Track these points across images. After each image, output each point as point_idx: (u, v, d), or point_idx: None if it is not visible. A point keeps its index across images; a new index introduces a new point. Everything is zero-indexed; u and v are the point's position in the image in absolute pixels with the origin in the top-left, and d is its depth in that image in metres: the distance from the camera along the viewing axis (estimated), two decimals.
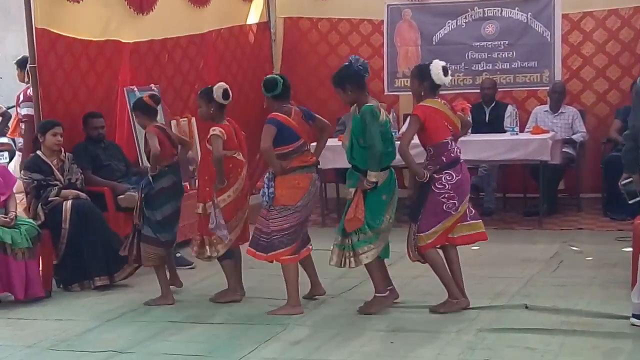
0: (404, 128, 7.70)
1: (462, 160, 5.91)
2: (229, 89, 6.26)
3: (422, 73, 5.87)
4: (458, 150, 5.90)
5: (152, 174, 6.34)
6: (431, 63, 5.89)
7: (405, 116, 8.70)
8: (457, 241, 5.97)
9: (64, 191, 6.91)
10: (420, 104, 5.84)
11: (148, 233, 6.34)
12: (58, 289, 6.85)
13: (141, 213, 6.37)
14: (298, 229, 5.99)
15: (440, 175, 5.76)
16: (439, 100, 5.89)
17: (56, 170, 6.98)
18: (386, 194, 5.79)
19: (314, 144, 6.30)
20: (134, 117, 6.67)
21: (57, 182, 6.93)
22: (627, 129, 8.77)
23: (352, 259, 5.78)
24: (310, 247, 6.22)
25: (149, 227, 6.34)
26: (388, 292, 5.96)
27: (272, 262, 6.06)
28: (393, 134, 6.14)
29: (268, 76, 6.23)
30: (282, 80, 6.01)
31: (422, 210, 5.79)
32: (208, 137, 6.16)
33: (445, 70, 5.82)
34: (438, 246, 5.91)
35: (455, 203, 5.78)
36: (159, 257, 6.40)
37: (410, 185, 6.01)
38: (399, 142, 5.83)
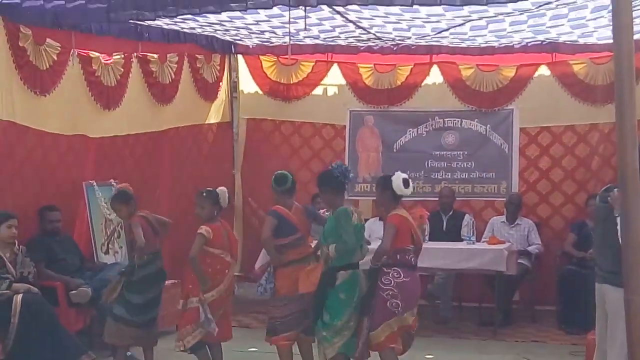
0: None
1: (415, 271, 6.17)
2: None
3: (384, 183, 6.20)
4: (414, 260, 6.16)
5: (138, 264, 6.52)
6: (393, 175, 6.21)
7: (366, 220, 8.77)
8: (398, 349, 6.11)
9: (15, 285, 6.78)
10: (394, 212, 6.11)
11: (121, 313, 6.50)
12: None
13: (118, 294, 6.49)
14: (297, 317, 6.28)
15: (389, 271, 6.01)
16: (405, 210, 6.25)
17: (8, 263, 6.86)
18: (345, 292, 5.99)
19: None
20: (125, 207, 6.70)
21: (9, 276, 6.81)
22: (581, 242, 8.96)
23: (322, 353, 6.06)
24: (311, 338, 6.38)
25: (124, 309, 6.49)
26: None
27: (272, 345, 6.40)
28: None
29: (279, 171, 6.63)
30: (291, 177, 6.48)
31: (373, 308, 5.95)
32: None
33: (405, 183, 6.15)
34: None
35: (399, 303, 5.94)
36: (129, 337, 6.54)
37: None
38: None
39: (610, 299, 5.08)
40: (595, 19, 7.78)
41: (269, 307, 6.46)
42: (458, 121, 10.21)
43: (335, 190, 6.16)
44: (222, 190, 6.54)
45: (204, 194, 6.49)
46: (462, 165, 10.19)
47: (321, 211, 8.62)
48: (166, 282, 7.79)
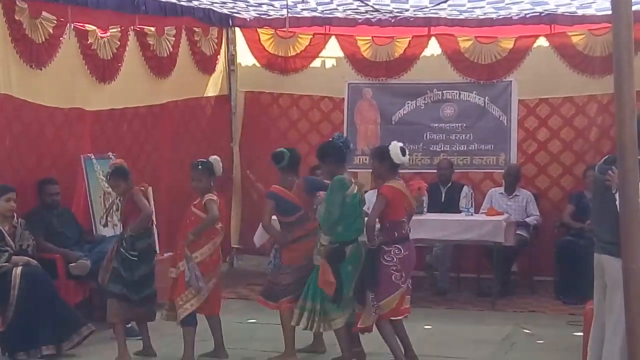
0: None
1: (410, 239, 6.28)
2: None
3: (381, 154, 6.19)
4: (409, 230, 6.26)
5: (134, 234, 6.47)
6: (390, 144, 6.20)
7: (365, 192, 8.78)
8: (403, 313, 6.26)
9: (14, 257, 6.80)
10: (387, 184, 6.12)
11: (120, 291, 6.47)
12: (3, 357, 6.68)
13: (111, 272, 6.44)
14: (298, 284, 6.33)
15: (390, 248, 6.07)
16: (401, 181, 6.27)
17: (7, 236, 6.88)
18: (352, 264, 6.12)
19: None
20: (122, 183, 6.63)
21: (8, 249, 6.83)
22: (579, 213, 8.98)
23: (323, 323, 6.13)
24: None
25: (122, 286, 6.45)
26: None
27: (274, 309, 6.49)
28: (364, 211, 6.44)
29: (277, 150, 6.61)
30: (288, 154, 6.44)
31: (378, 281, 6.02)
32: (197, 202, 6.39)
33: (403, 151, 6.16)
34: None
35: (402, 275, 6.08)
36: (126, 314, 6.53)
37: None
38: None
39: (610, 270, 5.09)
40: None
41: (273, 274, 6.59)
42: (456, 93, 10.18)
43: (336, 161, 6.19)
44: (215, 159, 6.51)
45: (200, 167, 6.44)
46: (461, 138, 10.18)
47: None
48: (164, 254, 7.88)
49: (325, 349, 6.63)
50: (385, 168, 6.18)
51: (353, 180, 6.22)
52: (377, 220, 6.09)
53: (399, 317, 6.23)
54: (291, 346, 6.40)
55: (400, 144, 6.21)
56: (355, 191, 6.14)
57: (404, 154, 6.17)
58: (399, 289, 6.09)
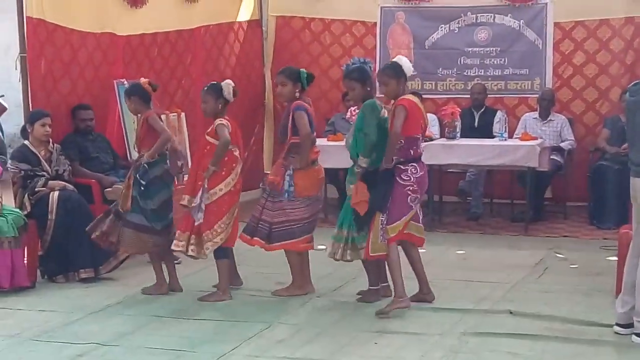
0: None
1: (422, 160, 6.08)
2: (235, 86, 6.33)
3: (397, 71, 5.93)
4: (422, 149, 6.07)
5: (150, 161, 6.32)
6: (396, 59, 6.01)
7: None
8: (409, 237, 6.05)
9: (51, 182, 6.88)
10: (404, 97, 5.91)
11: (140, 221, 6.34)
12: (42, 280, 6.83)
13: (132, 201, 6.32)
14: (315, 218, 6.30)
15: (407, 167, 5.87)
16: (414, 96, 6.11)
17: (44, 161, 6.95)
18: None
19: None
20: (129, 102, 6.54)
21: (45, 173, 6.91)
22: (615, 138, 8.90)
23: (349, 251, 5.97)
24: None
25: (142, 216, 6.33)
26: (380, 287, 6.13)
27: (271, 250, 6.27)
28: None
29: (293, 68, 6.42)
30: (305, 74, 6.25)
31: (390, 202, 5.85)
32: (210, 129, 6.20)
33: (408, 61, 6.00)
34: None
35: (417, 197, 5.92)
36: (152, 244, 6.40)
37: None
38: None
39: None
40: None
41: (288, 210, 6.15)
42: (491, 16, 10.02)
43: (372, 85, 6.01)
44: (226, 83, 6.29)
45: (206, 89, 6.30)
46: (495, 62, 10.05)
47: (352, 109, 8.62)
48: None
49: (314, 290, 6.36)
50: (402, 85, 5.93)
51: (383, 105, 5.99)
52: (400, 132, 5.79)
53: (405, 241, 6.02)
54: (300, 279, 6.27)
55: (404, 57, 6.03)
56: (386, 115, 5.91)
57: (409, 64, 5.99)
58: (410, 211, 5.88)
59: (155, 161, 6.36)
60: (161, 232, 6.43)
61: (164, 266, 6.51)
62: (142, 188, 6.30)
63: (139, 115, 6.51)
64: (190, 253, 6.15)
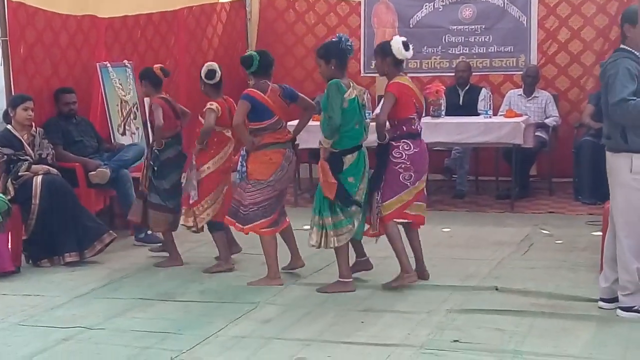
0: (378, 109, 7.72)
1: (422, 138, 6.04)
2: (216, 69, 6.40)
3: (384, 50, 5.92)
4: (420, 127, 6.02)
5: (158, 149, 6.56)
6: (392, 39, 5.94)
7: (380, 97, 8.70)
8: (409, 218, 6.02)
9: (34, 166, 6.85)
10: (394, 80, 5.88)
11: (157, 201, 6.62)
12: (27, 265, 6.80)
13: (149, 181, 6.60)
14: (273, 202, 6.08)
15: (398, 144, 5.85)
16: (407, 77, 6.02)
17: (27, 145, 6.91)
18: (353, 176, 5.81)
19: (295, 121, 6.37)
20: (141, 85, 6.83)
21: (28, 157, 6.87)
22: (599, 113, 8.90)
23: (333, 238, 5.82)
24: (287, 220, 6.34)
25: (157, 195, 6.61)
26: (351, 279, 5.99)
27: (247, 234, 6.18)
28: (367, 114, 6.22)
29: (246, 54, 6.29)
30: (258, 57, 6.07)
31: (383, 180, 5.85)
32: (203, 110, 6.33)
33: (405, 45, 5.89)
34: (398, 221, 5.96)
35: (411, 175, 5.88)
36: (168, 222, 6.66)
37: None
38: (373, 123, 5.96)
39: (608, 164, 5.15)
40: None
41: (242, 194, 6.07)
42: None
43: (341, 63, 5.75)
44: (210, 64, 6.44)
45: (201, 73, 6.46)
46: (480, 40, 10.05)
47: None
48: None
49: (304, 264, 6.38)
50: (388, 64, 5.88)
51: (351, 84, 5.81)
52: (386, 119, 5.81)
53: (406, 221, 5.99)
54: (275, 269, 6.12)
55: (403, 39, 5.92)
56: (353, 96, 5.74)
57: (406, 49, 5.86)
58: (405, 189, 5.86)
59: (167, 144, 6.61)
60: (173, 210, 6.65)
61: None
62: (155, 169, 6.56)
63: (149, 98, 6.77)
64: (189, 225, 6.45)
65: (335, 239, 5.82)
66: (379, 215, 5.87)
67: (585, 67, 9.74)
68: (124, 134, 8.07)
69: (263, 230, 6.08)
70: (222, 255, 6.55)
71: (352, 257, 6.13)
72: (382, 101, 5.87)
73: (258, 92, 6.01)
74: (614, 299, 5.25)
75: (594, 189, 8.52)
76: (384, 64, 5.92)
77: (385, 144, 5.86)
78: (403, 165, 5.85)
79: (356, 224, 5.87)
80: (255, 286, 6.06)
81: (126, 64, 8.20)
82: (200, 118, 6.39)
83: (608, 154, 5.15)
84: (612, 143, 5.07)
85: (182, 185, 6.55)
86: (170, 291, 6.02)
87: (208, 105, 6.30)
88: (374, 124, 5.95)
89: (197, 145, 6.32)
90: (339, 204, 5.77)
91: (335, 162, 5.75)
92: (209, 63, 6.49)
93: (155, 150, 6.59)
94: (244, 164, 6.22)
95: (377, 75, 9.99)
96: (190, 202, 6.36)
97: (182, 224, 6.54)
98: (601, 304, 5.34)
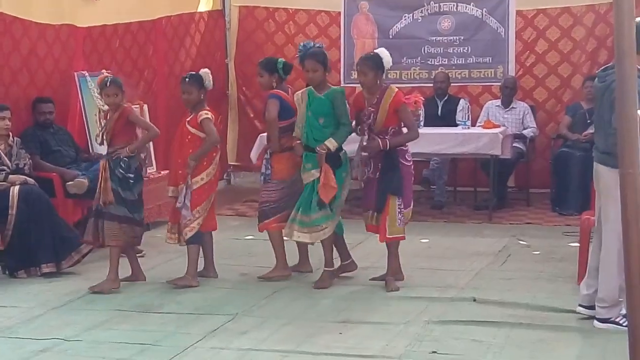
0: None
1: None
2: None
3: (377, 63, 6.05)
4: None
5: (131, 155, 6.33)
6: (378, 52, 6.16)
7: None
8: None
9: (11, 176, 6.79)
10: (397, 91, 6.11)
11: (123, 213, 6.30)
12: (3, 276, 6.74)
13: (112, 193, 6.26)
14: (288, 201, 6.31)
15: (407, 148, 6.14)
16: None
17: (3, 155, 6.86)
18: (345, 171, 6.17)
19: None
20: (114, 93, 6.36)
21: (5, 167, 6.82)
22: (576, 125, 8.98)
23: (313, 234, 6.10)
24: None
25: (125, 208, 6.30)
26: (339, 266, 6.37)
27: (262, 231, 6.49)
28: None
29: (273, 57, 6.74)
30: (283, 61, 6.46)
31: (403, 184, 6.05)
32: (190, 118, 6.27)
33: (388, 54, 6.15)
34: None
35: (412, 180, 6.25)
36: (131, 235, 6.38)
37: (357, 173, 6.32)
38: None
39: (603, 179, 5.12)
40: None
41: (262, 193, 6.48)
42: (454, 5, 10.08)
43: (324, 69, 6.13)
44: (204, 71, 6.34)
45: (188, 79, 6.30)
46: (459, 51, 10.11)
47: None
48: (161, 172, 7.88)
49: (311, 269, 6.56)
50: (380, 77, 6.07)
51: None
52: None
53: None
54: (283, 261, 6.42)
55: (385, 50, 6.16)
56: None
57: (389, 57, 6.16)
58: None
59: (135, 154, 6.42)
60: (140, 222, 6.49)
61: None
62: (131, 181, 6.33)
63: (113, 107, 6.42)
64: (167, 240, 6.47)
65: (314, 235, 6.10)
66: (403, 222, 6.07)
67: (562, 79, 9.81)
68: (102, 143, 7.95)
69: (274, 225, 6.37)
70: (191, 270, 6.33)
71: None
72: (403, 114, 6.10)
73: (282, 92, 6.36)
74: (592, 307, 5.27)
75: (571, 200, 8.58)
76: (377, 77, 6.06)
77: (392, 149, 6.05)
78: (412, 167, 6.16)
79: (337, 220, 6.19)
80: (265, 278, 6.35)
81: (104, 73, 8.14)
82: (189, 127, 6.26)
83: (603, 168, 5.07)
84: (611, 159, 4.96)
85: (178, 205, 6.27)
86: (147, 303, 5.98)
87: (204, 115, 6.23)
88: None
89: (191, 162, 6.18)
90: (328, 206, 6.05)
91: (335, 159, 6.07)
92: (207, 70, 6.40)
93: (126, 159, 6.30)
94: (269, 167, 6.39)
95: (357, 85, 10.09)
96: (184, 221, 6.24)
97: (167, 242, 6.48)
98: (579, 309, 5.37)
